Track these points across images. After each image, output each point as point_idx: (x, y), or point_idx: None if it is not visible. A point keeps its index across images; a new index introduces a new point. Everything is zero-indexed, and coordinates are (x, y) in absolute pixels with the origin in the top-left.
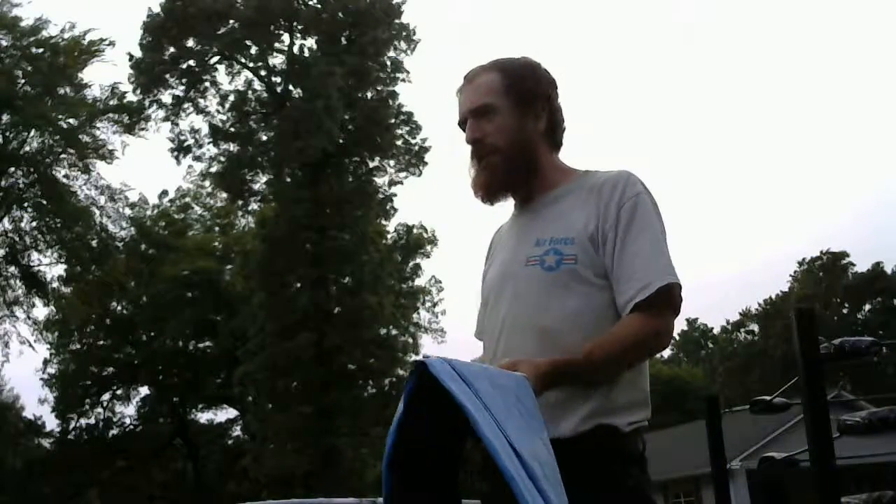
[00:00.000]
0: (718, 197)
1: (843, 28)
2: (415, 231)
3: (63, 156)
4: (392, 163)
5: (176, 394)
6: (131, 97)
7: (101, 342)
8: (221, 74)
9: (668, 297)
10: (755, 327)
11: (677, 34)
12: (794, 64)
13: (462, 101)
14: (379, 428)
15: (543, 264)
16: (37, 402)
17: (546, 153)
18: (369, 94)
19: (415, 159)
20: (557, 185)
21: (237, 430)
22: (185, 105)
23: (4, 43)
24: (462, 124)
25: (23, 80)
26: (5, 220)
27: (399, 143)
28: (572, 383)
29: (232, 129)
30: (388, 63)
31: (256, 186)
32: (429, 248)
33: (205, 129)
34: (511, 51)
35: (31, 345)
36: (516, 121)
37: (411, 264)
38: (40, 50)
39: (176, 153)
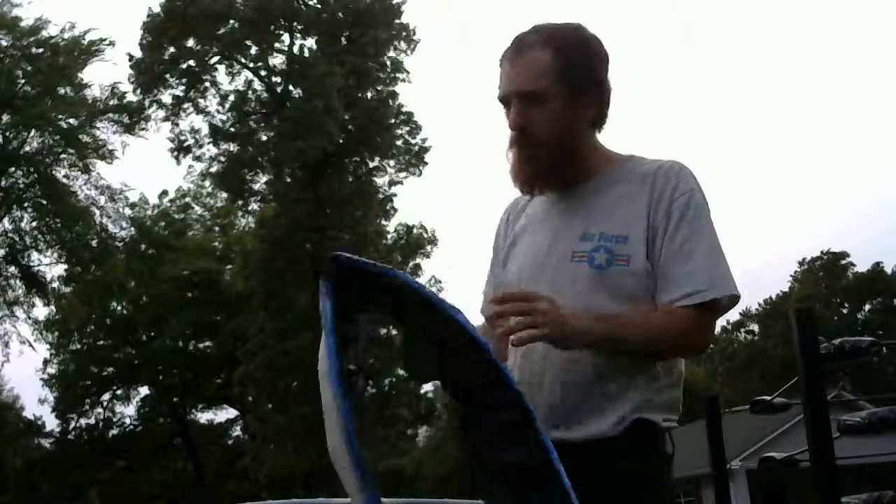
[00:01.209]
0: (719, 197)
1: (844, 28)
2: (415, 231)
3: (63, 156)
4: (392, 163)
5: (176, 394)
6: (131, 97)
7: (101, 342)
8: (221, 74)
9: (717, 308)
10: (755, 327)
11: (677, 34)
12: (795, 63)
13: (509, 76)
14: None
15: (593, 262)
16: (37, 402)
17: (590, 139)
18: (369, 94)
19: (415, 159)
20: (600, 172)
21: (237, 430)
22: (185, 105)
23: (4, 43)
24: (503, 101)
25: (23, 80)
26: (5, 220)
27: (399, 143)
28: (599, 342)
29: (232, 129)
30: (388, 63)
31: (256, 186)
32: (429, 248)
33: (205, 129)
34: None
35: (31, 345)
36: (567, 111)
37: (411, 264)
38: (40, 50)
39: (176, 153)
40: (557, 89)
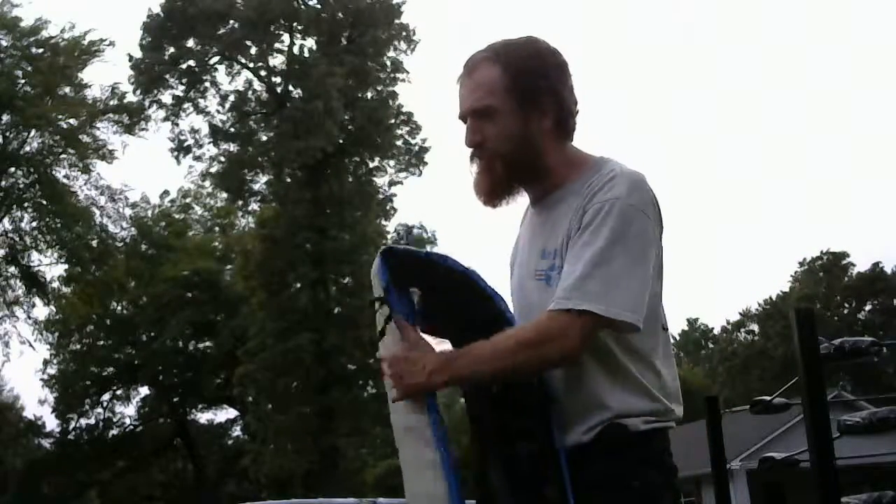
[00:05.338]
0: (719, 197)
1: (844, 28)
2: (415, 231)
3: (63, 156)
4: (392, 163)
5: (176, 394)
6: (131, 97)
7: (101, 342)
8: (221, 74)
9: (584, 319)
10: (755, 327)
11: (677, 34)
12: (796, 62)
13: (462, 96)
14: (378, 428)
15: (549, 280)
16: (37, 402)
17: (554, 149)
18: (369, 94)
19: (415, 159)
20: (565, 182)
21: (237, 430)
22: (185, 105)
23: (4, 43)
24: (463, 119)
25: (23, 80)
26: (5, 220)
27: (399, 143)
28: (468, 377)
29: (232, 129)
30: (388, 63)
31: (256, 186)
32: (429, 248)
33: (205, 129)
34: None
35: (31, 345)
36: (520, 123)
37: None
38: (40, 50)
39: (176, 153)
40: (507, 103)
